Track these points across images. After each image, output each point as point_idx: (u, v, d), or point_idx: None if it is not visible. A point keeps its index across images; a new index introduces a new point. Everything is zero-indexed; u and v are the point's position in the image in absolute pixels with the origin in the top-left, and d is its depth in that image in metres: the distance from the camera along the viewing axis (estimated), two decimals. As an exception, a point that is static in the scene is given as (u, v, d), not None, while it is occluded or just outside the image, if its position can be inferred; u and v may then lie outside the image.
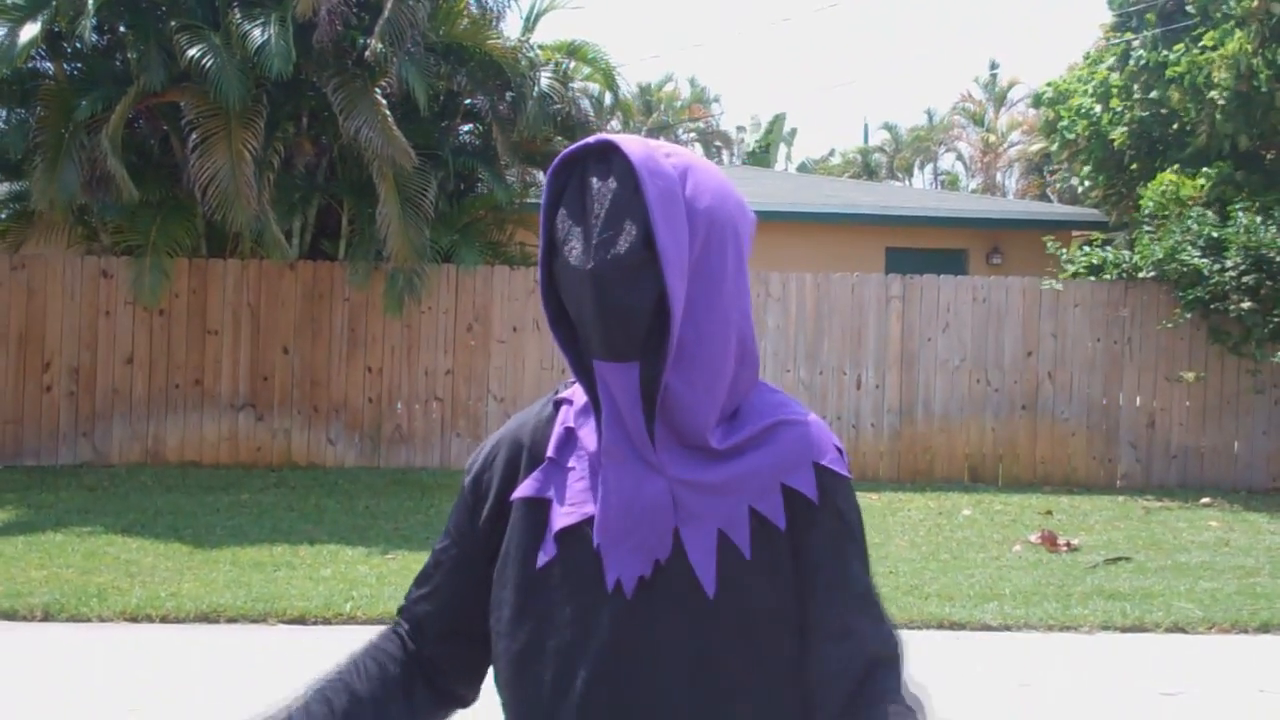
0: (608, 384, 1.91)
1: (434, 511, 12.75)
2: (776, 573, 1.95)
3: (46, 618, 8.70)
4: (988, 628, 8.89)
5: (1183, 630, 8.99)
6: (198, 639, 8.37)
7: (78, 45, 15.02)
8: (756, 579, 1.93)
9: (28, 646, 8.10)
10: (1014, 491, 14.76)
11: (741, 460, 1.95)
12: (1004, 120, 50.66)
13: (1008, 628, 8.90)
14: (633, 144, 1.89)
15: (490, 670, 2.11)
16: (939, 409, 15.32)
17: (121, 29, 14.89)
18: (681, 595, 1.91)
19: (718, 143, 54.59)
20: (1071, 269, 15.77)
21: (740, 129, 54.51)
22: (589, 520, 1.95)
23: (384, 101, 13.95)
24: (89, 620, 8.70)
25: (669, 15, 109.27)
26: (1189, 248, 14.88)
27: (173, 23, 13.85)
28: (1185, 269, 14.80)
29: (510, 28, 16.93)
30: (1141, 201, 17.43)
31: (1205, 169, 17.11)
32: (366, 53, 14.11)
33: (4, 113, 15.50)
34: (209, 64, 13.26)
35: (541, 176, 17.09)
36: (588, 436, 1.99)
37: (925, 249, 21.15)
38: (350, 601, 9.08)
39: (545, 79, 15.91)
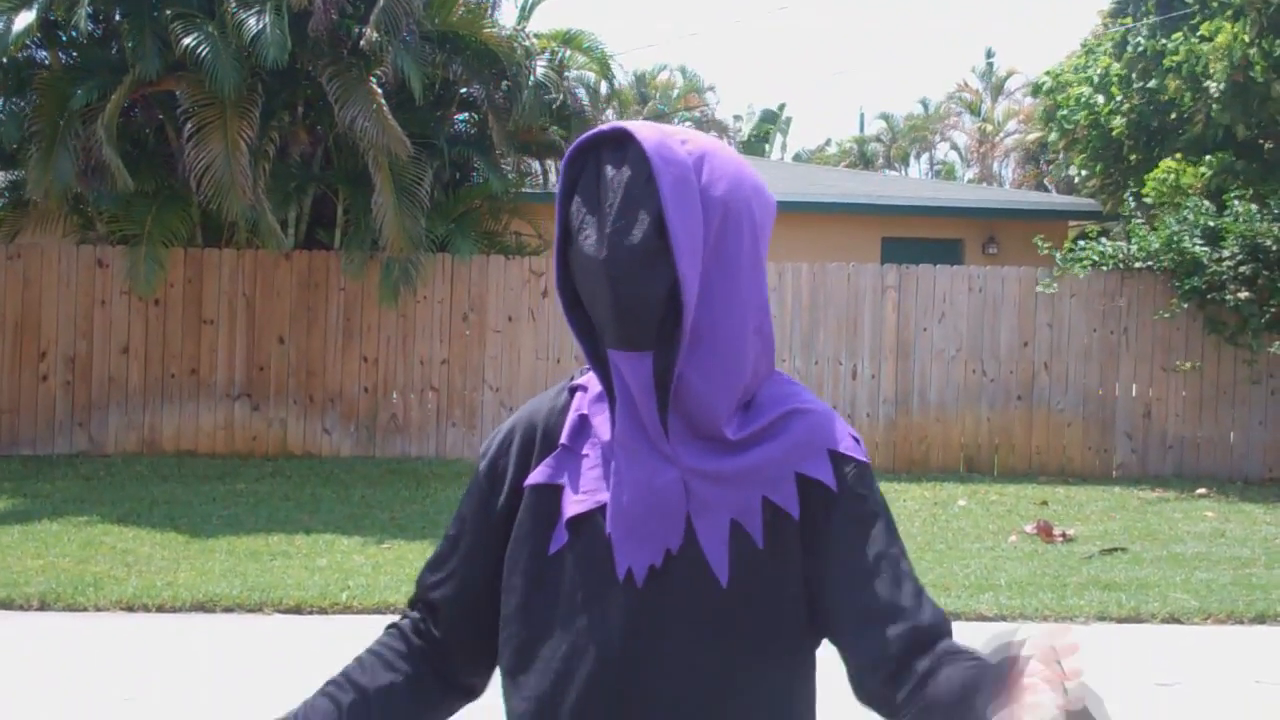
0: (622, 373, 1.91)
1: (429, 501, 12.75)
2: (788, 562, 1.95)
3: (43, 607, 8.71)
4: (983, 618, 8.89)
5: (1178, 621, 9.00)
6: (194, 628, 8.37)
7: (73, 34, 14.98)
8: (769, 568, 1.94)
9: (24, 635, 8.10)
10: (1009, 482, 14.77)
11: (755, 450, 1.95)
12: (1000, 110, 50.63)
13: (1003, 618, 8.91)
14: (647, 131, 1.89)
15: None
16: (934, 399, 15.32)
17: (116, 17, 14.85)
18: (694, 584, 1.92)
19: (714, 132, 54.53)
20: (1072, 267, 15.74)
21: (736, 118, 54.43)
22: (601, 509, 1.96)
23: (379, 90, 13.92)
24: (85, 609, 8.70)
25: (664, 4, 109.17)
26: (1187, 237, 14.87)
27: (168, 11, 13.83)
28: (1182, 258, 14.79)
29: (506, 16, 16.87)
30: (1144, 190, 17.43)
31: (1206, 158, 17.10)
32: (362, 41, 14.09)
33: (-1, 101, 15.48)
34: (204, 53, 13.23)
35: (537, 166, 17.12)
36: (602, 425, 1.98)
37: (921, 239, 21.15)
38: (346, 591, 9.08)
39: (541, 68, 15.89)
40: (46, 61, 15.11)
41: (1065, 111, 20.52)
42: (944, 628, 1.89)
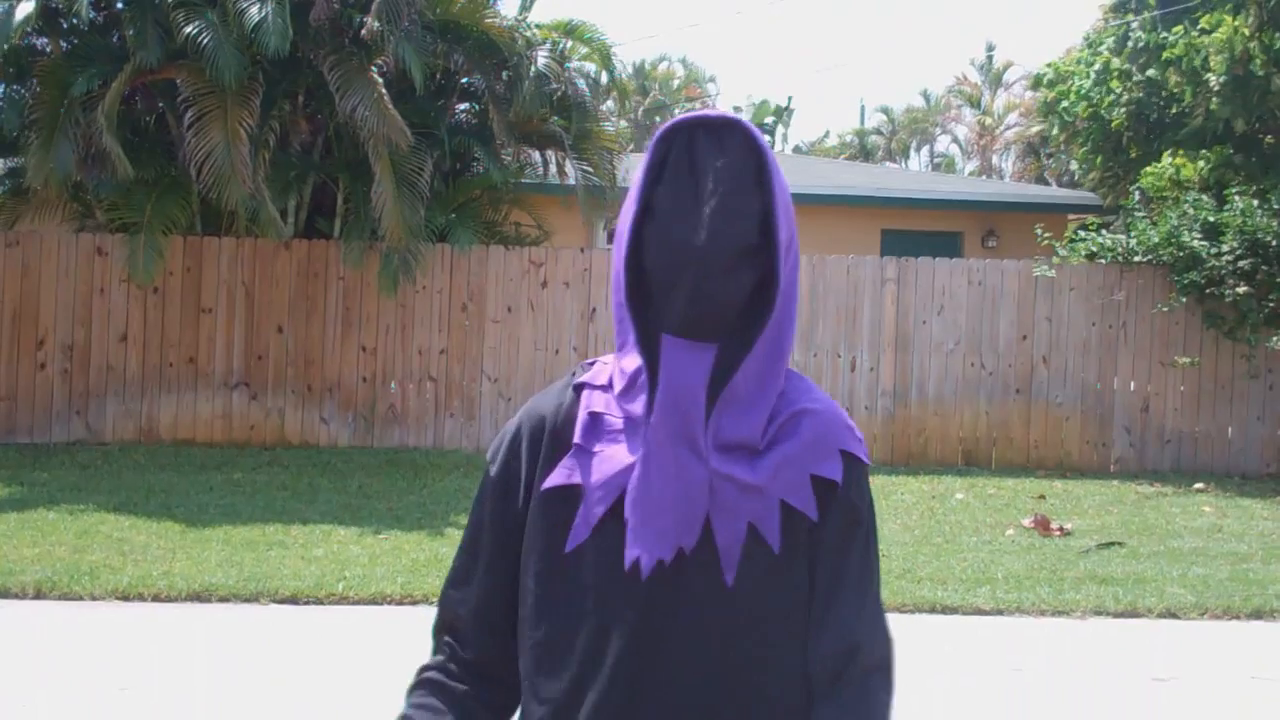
0: (674, 361, 1.89)
1: (427, 492, 12.75)
2: (801, 565, 1.96)
3: (38, 595, 8.71)
4: (980, 612, 8.90)
5: (1175, 616, 9.00)
6: (190, 618, 8.37)
7: (74, 21, 14.95)
8: (783, 571, 1.94)
9: (19, 624, 8.10)
10: (1007, 475, 14.77)
11: (773, 453, 1.94)
12: (1000, 102, 50.58)
13: (1000, 612, 8.92)
14: (752, 127, 1.89)
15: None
16: (933, 392, 15.32)
17: (118, 5, 14.83)
18: (703, 584, 1.91)
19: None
20: (1068, 255, 15.73)
21: (736, 108, 54.37)
22: (618, 504, 1.94)
23: (380, 80, 13.90)
24: (81, 598, 8.70)
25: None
26: (1187, 231, 14.87)
27: (169, -1, 13.82)
28: (1182, 253, 14.79)
29: (507, 6, 16.83)
30: (1141, 183, 17.41)
31: (1205, 152, 17.08)
32: (363, 31, 14.06)
33: (0, 88, 15.44)
34: (205, 41, 13.21)
35: (538, 157, 17.07)
36: (631, 408, 1.95)
37: (921, 231, 21.14)
38: (343, 581, 9.08)
39: (542, 58, 15.86)
40: (47, 49, 15.08)
41: (1066, 104, 20.50)
42: (877, 653, 1.96)
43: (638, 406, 1.93)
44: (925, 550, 10.66)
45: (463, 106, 17.10)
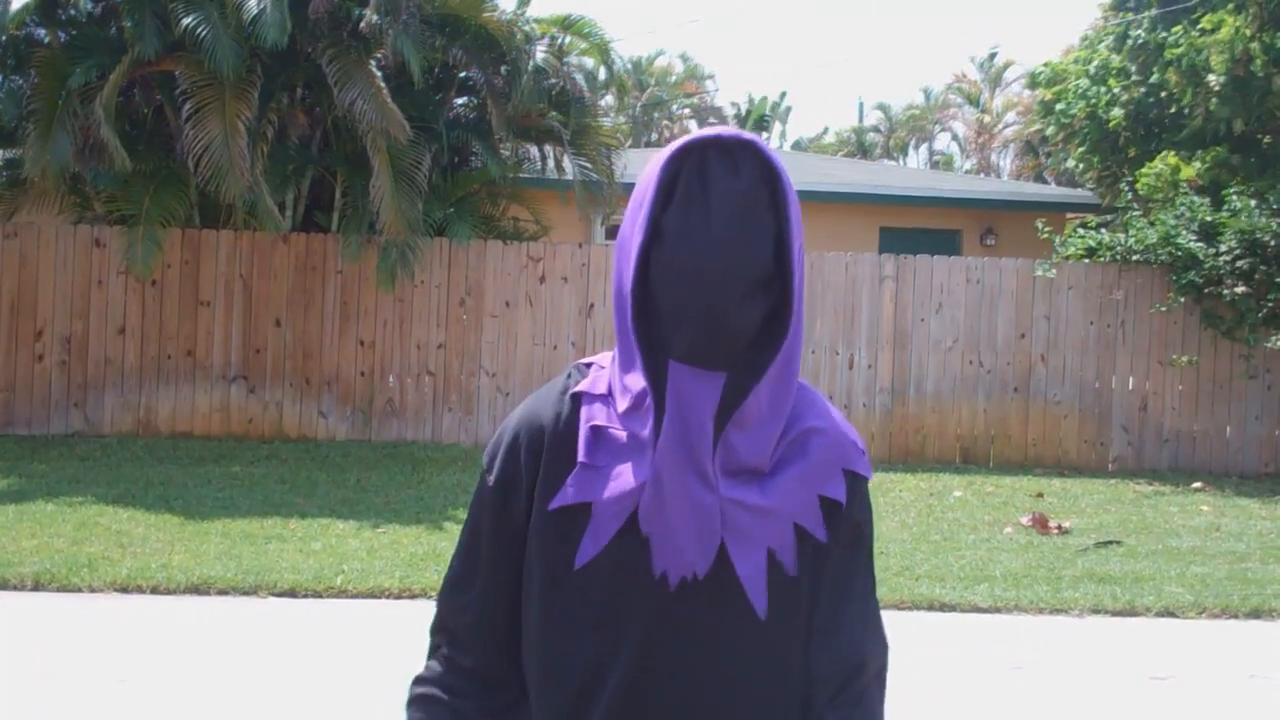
0: (682, 389, 1.84)
1: (425, 486, 12.74)
2: (810, 585, 1.96)
3: (37, 587, 8.70)
4: (978, 610, 8.90)
5: (1173, 615, 9.00)
6: (188, 610, 8.36)
7: (72, 12, 14.96)
8: (800, 594, 1.94)
9: (18, 616, 8.09)
10: (1005, 473, 14.77)
11: (782, 476, 1.92)
12: (999, 101, 50.59)
13: (998, 610, 8.92)
14: (765, 147, 1.83)
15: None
16: (931, 390, 15.32)
17: (116, -3, 14.82)
18: (724, 610, 1.90)
19: (712, 119, 54.47)
20: (1066, 252, 15.73)
21: (734, 104, 54.34)
22: (630, 522, 1.91)
23: (379, 74, 13.89)
24: (79, 590, 8.69)
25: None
26: (1184, 232, 14.88)
27: (167, -9, 13.79)
28: (1179, 253, 14.80)
29: (505, 0, 16.77)
30: (1137, 183, 17.42)
31: (1201, 152, 17.09)
32: (361, 24, 14.04)
33: (-2, 79, 15.43)
34: (203, 33, 13.19)
35: (536, 151, 17.06)
36: (636, 429, 1.90)
37: (919, 229, 21.15)
38: (341, 575, 9.08)
39: (540, 53, 15.86)
40: (45, 40, 15.06)
41: (1063, 105, 20.50)
42: (875, 663, 2.00)
43: (643, 428, 1.89)
44: (923, 548, 10.66)
45: (461, 101, 17.08)
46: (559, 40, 16.86)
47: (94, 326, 14.77)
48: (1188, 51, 16.96)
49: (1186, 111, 17.70)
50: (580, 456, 1.94)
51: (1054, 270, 15.19)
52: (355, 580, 8.99)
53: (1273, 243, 14.46)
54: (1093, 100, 19.69)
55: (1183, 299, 14.90)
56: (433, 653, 2.10)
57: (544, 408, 2.01)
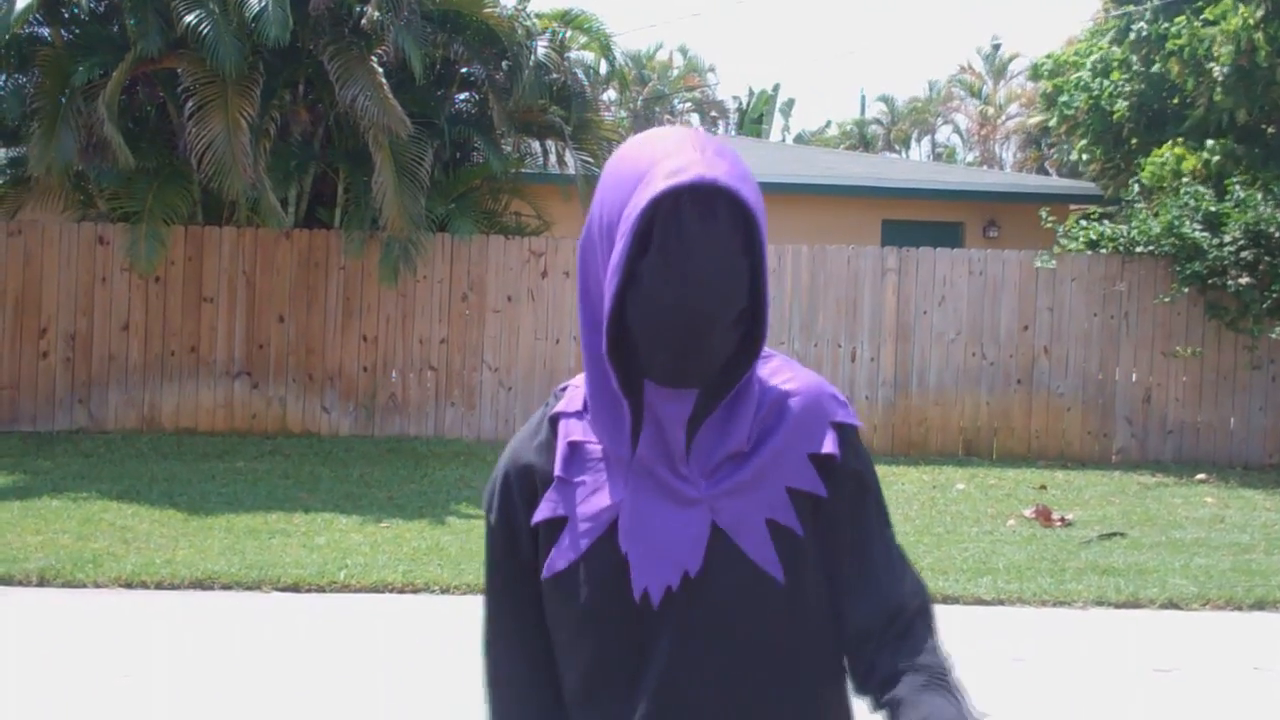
0: (657, 406, 1.89)
1: (428, 481, 12.76)
2: (825, 540, 1.98)
3: (42, 583, 8.72)
4: (981, 602, 8.90)
5: (1177, 606, 9.00)
6: (192, 605, 8.38)
7: (75, 11, 14.97)
8: (813, 552, 1.97)
9: (23, 611, 8.11)
10: (1008, 466, 14.77)
11: (766, 446, 1.95)
12: (1002, 93, 50.54)
13: (1001, 602, 8.92)
14: (738, 184, 1.81)
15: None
16: (934, 382, 15.32)
17: (118, -6, 14.83)
18: (743, 588, 1.92)
19: (714, 113, 54.44)
20: (1068, 244, 15.71)
21: (736, 98, 54.30)
22: (607, 532, 1.94)
23: (380, 70, 13.89)
24: (84, 586, 8.72)
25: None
26: (1188, 222, 14.86)
27: (169, -12, 13.79)
28: (1183, 244, 14.78)
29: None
30: (1141, 175, 17.40)
31: (1211, 143, 17.06)
32: (363, 20, 14.05)
33: (1, 78, 15.43)
34: (205, 30, 13.19)
35: (537, 146, 17.06)
36: (611, 441, 1.94)
37: (922, 221, 21.12)
38: (344, 569, 9.10)
39: (541, 48, 15.85)
40: (48, 38, 15.07)
41: (1066, 96, 20.46)
42: (916, 604, 2.00)
43: (619, 443, 1.93)
44: (926, 540, 10.66)
45: (462, 96, 17.07)
46: (560, 35, 16.87)
47: (98, 323, 14.79)
48: (1190, 42, 16.93)
49: (1190, 102, 17.66)
50: (556, 471, 1.98)
51: (1054, 261, 15.17)
52: (359, 575, 9.00)
53: (1277, 233, 14.43)
54: (1095, 92, 19.66)
55: (1186, 290, 14.87)
56: (489, 706, 2.14)
57: (525, 440, 2.06)
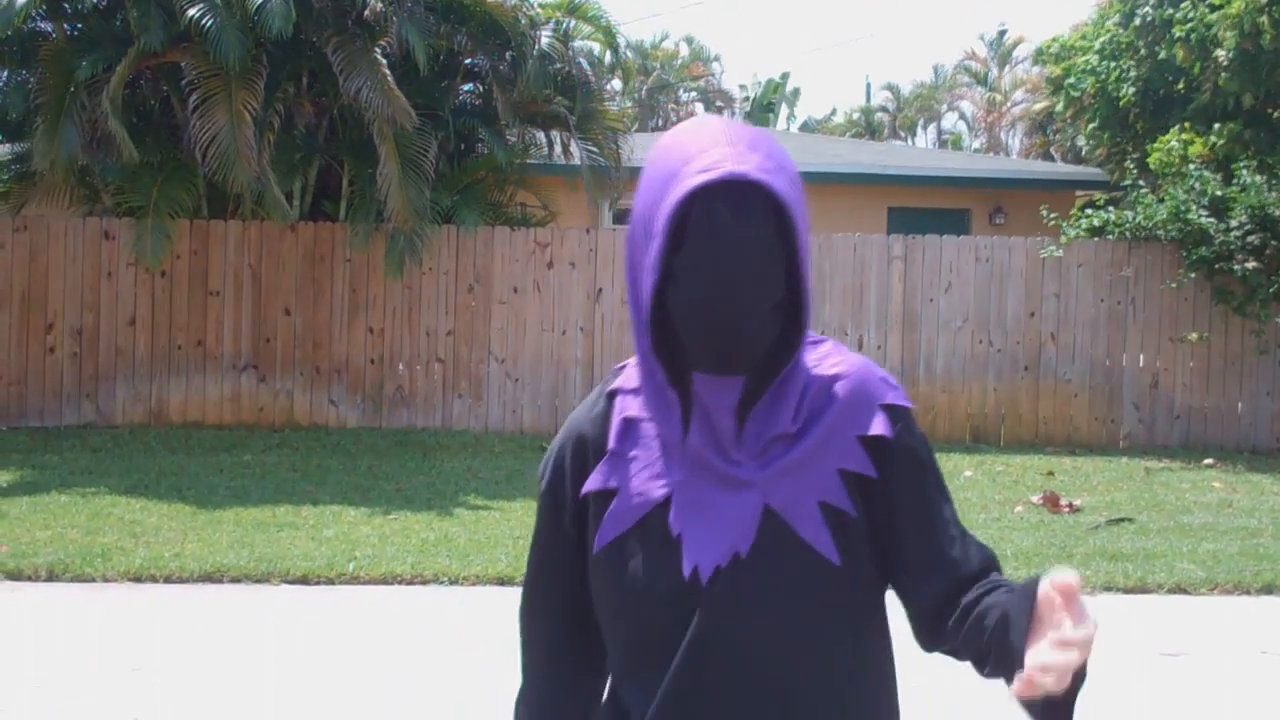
0: (705, 394, 1.93)
1: (435, 472, 12.77)
2: (877, 521, 2.00)
3: (51, 577, 8.73)
4: (989, 588, 8.89)
5: (1185, 591, 9.00)
6: (201, 599, 8.40)
7: (78, 5, 14.95)
8: (866, 533, 2.00)
9: (32, 606, 8.13)
10: (1016, 452, 14.77)
11: (816, 428, 1.98)
12: (1007, 79, 50.46)
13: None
14: (771, 177, 1.83)
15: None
16: (941, 369, 15.31)
17: (121, -12, 14.82)
18: (794, 568, 1.95)
19: (719, 102, 54.41)
20: (1073, 233, 15.68)
21: (742, 87, 54.25)
22: (658, 508, 1.98)
23: (384, 61, 13.87)
24: (93, 580, 8.73)
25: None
26: (1194, 207, 14.82)
27: (171, -18, 13.78)
28: (1189, 229, 14.75)
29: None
30: (1148, 159, 17.37)
31: (1218, 126, 17.02)
32: (366, 12, 14.04)
33: (4, 73, 15.43)
34: (208, 24, 13.18)
35: (542, 137, 17.04)
36: (663, 424, 1.99)
37: (928, 209, 21.10)
38: (353, 561, 9.10)
39: (545, 38, 15.82)
40: (52, 33, 15.07)
41: (1072, 80, 20.43)
42: (989, 566, 2.01)
43: (670, 427, 1.98)
44: (934, 527, 10.63)
45: (467, 87, 17.06)
46: (564, 25, 16.82)
47: (104, 318, 14.80)
48: (1197, 26, 16.89)
49: (1195, 87, 17.62)
50: (610, 445, 2.03)
51: (1059, 251, 15.15)
52: (367, 567, 9.01)
53: (1284, 218, 14.41)
54: (1101, 75, 19.62)
55: (1193, 275, 14.85)
56: (522, 665, 2.21)
57: (583, 414, 2.12)
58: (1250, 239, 14.45)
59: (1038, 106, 38.69)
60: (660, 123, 50.06)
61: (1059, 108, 22.13)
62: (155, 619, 7.91)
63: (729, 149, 1.83)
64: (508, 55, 15.31)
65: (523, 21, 15.24)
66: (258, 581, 8.80)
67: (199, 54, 13.50)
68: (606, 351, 15.07)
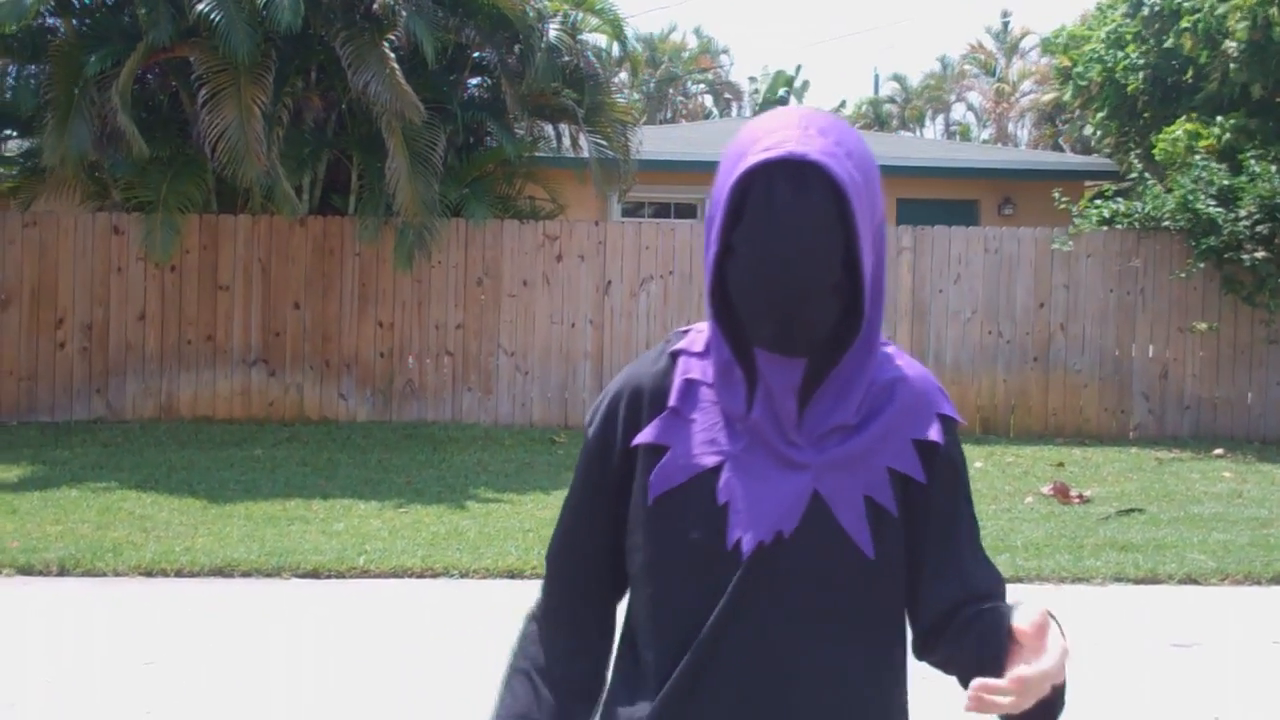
0: (768, 372, 1.96)
1: (446, 466, 12.78)
2: (917, 524, 2.05)
3: (62, 572, 8.75)
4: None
5: (1195, 582, 8.99)
6: (212, 593, 8.41)
7: (86, 1, 14.96)
8: (903, 532, 2.04)
9: (44, 601, 8.15)
10: (1026, 443, 14.76)
11: (874, 424, 2.02)
12: (1015, 69, 50.36)
13: (1020, 580, 8.91)
14: (832, 160, 1.87)
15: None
16: (950, 360, 15.30)
17: (129, -16, 14.83)
18: (831, 556, 1.99)
19: (727, 95, 54.35)
20: (1083, 224, 15.66)
21: (752, 79, 54.17)
22: (709, 474, 2.01)
23: (392, 55, 13.87)
24: (104, 575, 8.75)
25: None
26: (1202, 197, 14.80)
27: (180, -24, 13.79)
28: (1198, 219, 14.72)
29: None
30: (1154, 150, 17.34)
31: (1220, 118, 16.99)
32: (374, 6, 14.04)
33: (14, 69, 15.45)
34: (217, 18, 13.18)
35: (551, 130, 17.03)
36: (726, 397, 2.02)
37: (936, 200, 21.09)
38: (363, 555, 9.12)
39: (553, 31, 15.81)
40: (60, 29, 15.08)
41: (1080, 68, 20.39)
42: (996, 590, 2.07)
43: (733, 401, 2.01)
44: (944, 519, 10.64)
45: (475, 81, 17.07)
46: (572, 18, 16.80)
47: (114, 313, 14.83)
48: (1205, 17, 16.85)
49: (1204, 76, 17.59)
50: (671, 402, 2.07)
51: (1070, 244, 15.13)
52: (378, 560, 9.03)
53: (1292, 207, 14.39)
54: (1109, 64, 19.58)
55: (1202, 265, 14.83)
56: (542, 590, 2.25)
57: (643, 367, 2.15)
58: (1259, 228, 14.44)
59: (1046, 98, 38.60)
60: (669, 115, 50.02)
61: (1067, 98, 22.10)
62: (166, 613, 7.93)
63: (797, 131, 1.89)
64: (515, 48, 15.31)
65: (530, 14, 15.22)
66: (268, 575, 8.82)
67: (208, 49, 13.50)
68: (616, 344, 15.08)
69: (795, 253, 1.86)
